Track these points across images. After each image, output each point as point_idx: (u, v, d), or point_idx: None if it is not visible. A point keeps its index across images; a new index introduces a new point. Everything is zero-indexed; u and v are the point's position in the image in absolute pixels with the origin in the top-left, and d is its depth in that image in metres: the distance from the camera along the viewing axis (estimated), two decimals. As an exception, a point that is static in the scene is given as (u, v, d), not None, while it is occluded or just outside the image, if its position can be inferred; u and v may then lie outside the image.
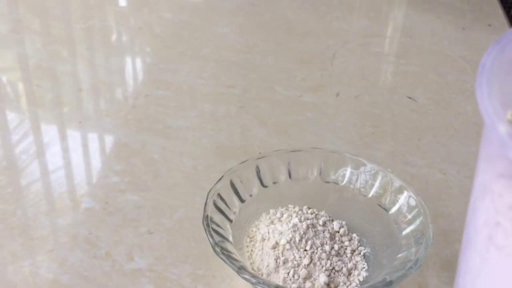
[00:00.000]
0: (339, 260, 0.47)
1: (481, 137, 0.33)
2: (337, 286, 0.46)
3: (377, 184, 0.53)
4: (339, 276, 0.46)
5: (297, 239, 0.47)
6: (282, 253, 0.46)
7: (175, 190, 0.56)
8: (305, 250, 0.47)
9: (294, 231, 0.47)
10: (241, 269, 0.44)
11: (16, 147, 0.62)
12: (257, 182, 0.53)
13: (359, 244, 0.50)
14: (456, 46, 0.83)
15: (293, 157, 0.54)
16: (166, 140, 0.63)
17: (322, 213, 0.52)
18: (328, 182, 0.54)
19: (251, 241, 0.50)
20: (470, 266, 0.34)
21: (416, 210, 0.49)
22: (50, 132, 0.65)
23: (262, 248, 0.48)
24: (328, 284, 0.46)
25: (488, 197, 0.31)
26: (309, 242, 0.47)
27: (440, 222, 0.54)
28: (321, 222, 0.50)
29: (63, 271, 0.48)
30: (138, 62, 0.82)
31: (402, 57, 0.83)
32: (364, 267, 0.48)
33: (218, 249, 0.45)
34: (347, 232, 0.50)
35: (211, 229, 0.46)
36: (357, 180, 0.54)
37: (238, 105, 0.69)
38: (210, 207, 0.48)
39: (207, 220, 0.47)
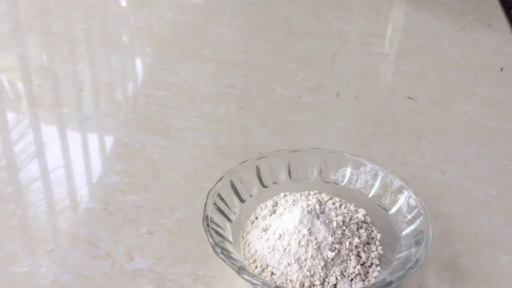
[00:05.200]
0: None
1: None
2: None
3: (377, 184, 0.53)
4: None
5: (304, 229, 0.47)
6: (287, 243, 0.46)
7: (175, 190, 0.56)
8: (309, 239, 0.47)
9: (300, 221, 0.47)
10: (241, 269, 0.44)
11: (16, 147, 0.62)
12: (257, 182, 0.53)
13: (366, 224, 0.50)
14: (456, 46, 0.83)
15: (293, 157, 0.54)
16: (166, 140, 0.63)
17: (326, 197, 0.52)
18: (328, 182, 0.54)
19: (246, 234, 0.50)
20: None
21: (416, 210, 0.49)
22: (50, 132, 0.65)
23: (267, 239, 0.48)
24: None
25: None
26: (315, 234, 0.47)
27: (440, 222, 0.54)
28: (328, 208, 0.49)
29: (63, 271, 0.48)
30: (138, 62, 0.82)
31: (402, 57, 0.83)
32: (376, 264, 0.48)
33: (218, 249, 0.45)
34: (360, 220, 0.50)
35: (211, 229, 0.46)
36: (357, 180, 0.54)
37: (238, 105, 0.69)
38: (210, 207, 0.48)
39: (207, 220, 0.47)
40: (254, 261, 0.47)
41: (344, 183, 0.54)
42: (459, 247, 0.51)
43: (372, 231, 0.50)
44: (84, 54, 0.80)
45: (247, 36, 0.85)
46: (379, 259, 0.48)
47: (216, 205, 0.49)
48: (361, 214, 0.51)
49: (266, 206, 0.52)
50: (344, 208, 0.51)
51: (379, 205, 0.52)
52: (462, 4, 0.94)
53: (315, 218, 0.47)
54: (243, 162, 0.53)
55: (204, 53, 0.79)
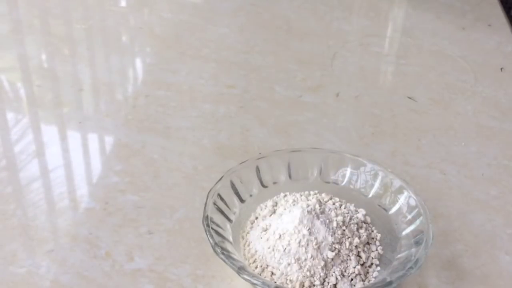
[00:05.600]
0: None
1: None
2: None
3: (377, 184, 0.53)
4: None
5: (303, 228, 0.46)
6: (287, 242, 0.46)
7: (175, 190, 0.56)
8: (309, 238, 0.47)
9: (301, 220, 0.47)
10: (241, 269, 0.44)
11: (16, 147, 0.62)
12: (257, 182, 0.53)
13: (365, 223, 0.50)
14: (456, 46, 0.83)
15: (293, 157, 0.54)
16: (166, 140, 0.63)
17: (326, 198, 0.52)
18: (328, 182, 0.54)
19: (246, 233, 0.50)
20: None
21: (416, 210, 0.49)
22: (50, 132, 0.65)
23: (267, 239, 0.48)
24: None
25: None
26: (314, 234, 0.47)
27: (440, 222, 0.54)
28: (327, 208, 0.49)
29: (63, 271, 0.48)
30: (138, 62, 0.82)
31: (402, 57, 0.83)
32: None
33: (218, 249, 0.45)
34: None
35: (211, 230, 0.46)
36: (357, 180, 0.54)
37: (238, 105, 0.69)
38: (210, 207, 0.48)
39: (207, 221, 0.47)
40: (254, 261, 0.47)
41: (344, 183, 0.54)
42: (459, 247, 0.51)
43: (372, 231, 0.50)
44: (84, 54, 0.80)
45: (247, 36, 0.85)
46: (379, 259, 0.48)
47: (216, 205, 0.49)
48: (361, 214, 0.51)
49: (266, 206, 0.52)
50: (344, 208, 0.51)
51: (379, 205, 0.52)
52: (462, 4, 0.94)
53: (315, 218, 0.47)
54: (243, 162, 0.53)
55: (204, 53, 0.79)
